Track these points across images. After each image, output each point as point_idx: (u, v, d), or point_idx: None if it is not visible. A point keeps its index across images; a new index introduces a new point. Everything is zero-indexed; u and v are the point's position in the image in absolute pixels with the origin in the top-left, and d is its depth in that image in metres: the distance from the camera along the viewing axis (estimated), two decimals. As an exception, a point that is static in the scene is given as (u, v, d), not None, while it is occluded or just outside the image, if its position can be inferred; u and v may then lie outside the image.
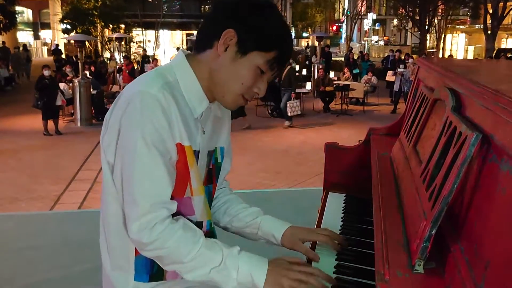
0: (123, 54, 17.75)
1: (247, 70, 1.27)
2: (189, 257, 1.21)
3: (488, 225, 0.93)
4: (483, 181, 1.01)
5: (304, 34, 50.45)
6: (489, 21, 23.34)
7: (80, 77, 11.35)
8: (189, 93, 1.29)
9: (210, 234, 1.41)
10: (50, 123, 10.04)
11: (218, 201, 1.61)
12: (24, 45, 24.77)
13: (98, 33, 23.54)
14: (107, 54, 24.14)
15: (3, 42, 22.25)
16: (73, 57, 20.35)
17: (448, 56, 23.58)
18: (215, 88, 1.31)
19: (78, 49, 11.54)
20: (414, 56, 17.70)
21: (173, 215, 1.26)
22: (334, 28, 49.55)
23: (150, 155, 1.19)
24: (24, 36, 32.86)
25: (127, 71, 13.69)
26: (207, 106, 1.34)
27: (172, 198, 1.25)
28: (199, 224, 1.35)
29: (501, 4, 22.74)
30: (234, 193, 1.67)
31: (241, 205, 1.59)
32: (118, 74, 15.17)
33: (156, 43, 27.19)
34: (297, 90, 13.35)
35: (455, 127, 1.18)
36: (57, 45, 27.87)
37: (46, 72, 10.08)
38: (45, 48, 36.24)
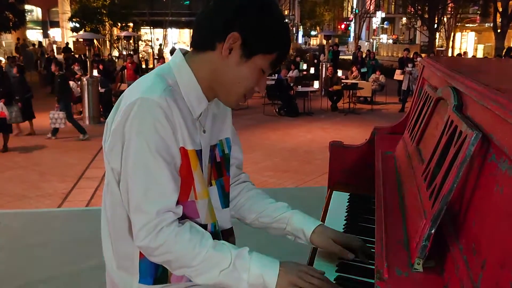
0: (127, 52, 17.81)
1: (251, 72, 1.27)
2: (197, 260, 1.20)
3: (485, 224, 0.93)
4: (482, 180, 1.01)
5: (313, 33, 50.38)
6: (499, 20, 23.14)
7: (88, 76, 11.42)
8: (188, 95, 1.28)
9: (215, 236, 1.37)
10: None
11: (241, 197, 1.59)
12: (40, 42, 27.96)
13: (106, 32, 23.64)
14: (115, 53, 24.25)
15: (18, 39, 22.59)
16: (82, 56, 20.48)
17: (457, 55, 23.40)
18: (218, 88, 1.31)
19: (87, 48, 11.54)
20: (423, 55, 17.59)
21: (179, 219, 1.25)
22: (343, 26, 49.44)
23: (155, 162, 1.19)
24: (33, 35, 33.38)
25: (133, 69, 13.75)
26: (206, 106, 1.33)
27: (176, 202, 1.25)
28: (203, 227, 1.33)
29: (511, 2, 22.53)
30: (257, 188, 1.64)
31: (266, 200, 1.58)
32: (121, 72, 15.28)
33: (164, 41, 27.24)
34: (305, 89, 13.37)
35: (456, 126, 1.18)
36: (67, 43, 28.24)
37: None
38: (54, 46, 36.70)
